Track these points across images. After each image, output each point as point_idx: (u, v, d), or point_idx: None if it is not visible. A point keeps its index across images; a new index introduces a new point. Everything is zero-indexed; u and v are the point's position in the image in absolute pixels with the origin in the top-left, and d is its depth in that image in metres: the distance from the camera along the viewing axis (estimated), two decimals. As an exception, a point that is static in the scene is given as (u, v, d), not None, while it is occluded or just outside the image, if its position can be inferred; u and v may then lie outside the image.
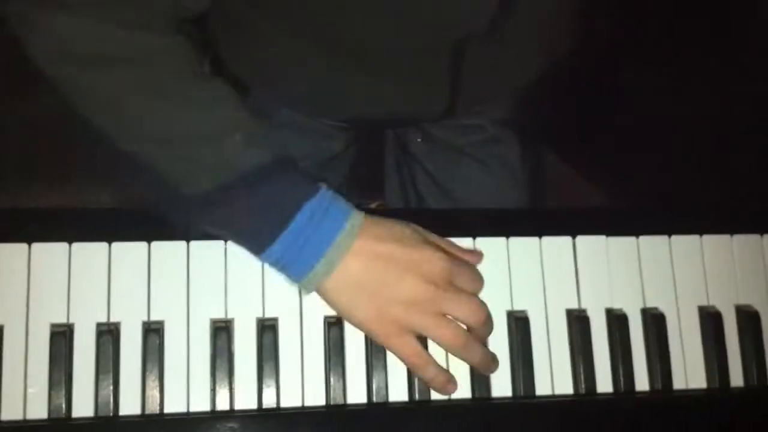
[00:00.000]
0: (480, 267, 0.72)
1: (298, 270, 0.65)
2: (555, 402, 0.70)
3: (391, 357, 0.69)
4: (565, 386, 0.71)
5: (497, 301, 0.72)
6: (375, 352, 0.69)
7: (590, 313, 0.73)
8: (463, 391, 0.70)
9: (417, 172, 1.13)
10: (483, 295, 0.71)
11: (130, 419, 0.65)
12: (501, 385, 0.70)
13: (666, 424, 0.69)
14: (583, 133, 1.13)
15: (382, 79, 0.86)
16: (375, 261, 0.66)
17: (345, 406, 0.68)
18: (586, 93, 1.13)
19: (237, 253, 0.69)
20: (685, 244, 0.76)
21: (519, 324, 0.71)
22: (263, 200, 0.63)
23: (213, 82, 0.68)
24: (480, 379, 0.70)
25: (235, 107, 0.67)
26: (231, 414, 0.66)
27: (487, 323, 0.69)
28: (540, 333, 0.72)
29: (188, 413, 0.66)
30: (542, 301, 0.73)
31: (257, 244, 0.65)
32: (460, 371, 0.69)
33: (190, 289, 0.69)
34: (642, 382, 0.72)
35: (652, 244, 0.76)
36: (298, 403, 0.68)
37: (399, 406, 0.69)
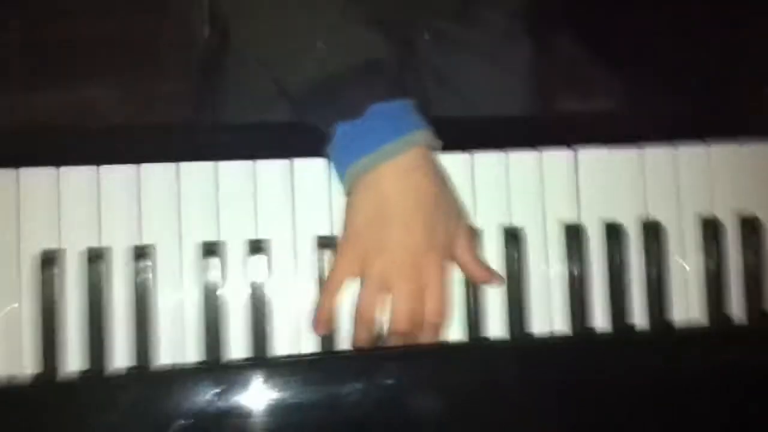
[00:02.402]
0: (478, 182, 0.71)
1: (343, 159, 0.66)
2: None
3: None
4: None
5: (492, 216, 0.71)
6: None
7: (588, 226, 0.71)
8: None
9: (422, 70, 1.09)
10: (480, 211, 0.70)
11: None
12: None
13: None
14: (600, 29, 1.08)
15: None
16: (408, 188, 0.65)
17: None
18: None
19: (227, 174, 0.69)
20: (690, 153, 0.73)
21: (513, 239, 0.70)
22: (343, 98, 0.66)
23: None
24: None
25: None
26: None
27: (440, 331, 0.66)
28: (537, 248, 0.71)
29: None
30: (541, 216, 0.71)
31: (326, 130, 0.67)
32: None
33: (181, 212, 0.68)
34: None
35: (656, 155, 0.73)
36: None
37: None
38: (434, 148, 0.68)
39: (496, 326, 0.70)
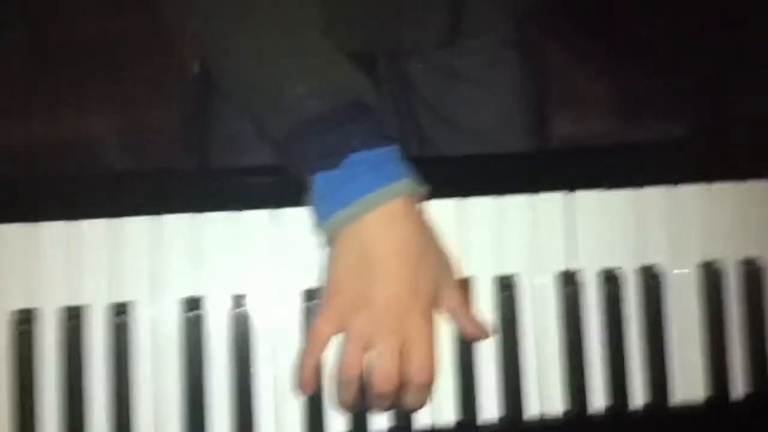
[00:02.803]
0: (469, 228, 0.69)
1: (324, 210, 0.63)
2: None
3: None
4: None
5: (484, 264, 0.69)
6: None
7: (585, 274, 0.69)
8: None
9: (414, 100, 1.07)
10: (470, 258, 0.68)
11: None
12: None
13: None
14: (586, 53, 1.06)
15: (378, 6, 0.82)
16: (392, 240, 0.62)
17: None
18: (589, 12, 1.05)
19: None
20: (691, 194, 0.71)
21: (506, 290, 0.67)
22: (322, 145, 0.63)
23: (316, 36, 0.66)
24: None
25: (318, 54, 0.65)
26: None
27: (425, 392, 0.63)
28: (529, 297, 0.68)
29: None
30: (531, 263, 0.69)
31: (305, 178, 0.64)
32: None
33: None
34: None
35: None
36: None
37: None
38: (420, 196, 0.65)
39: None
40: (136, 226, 0.66)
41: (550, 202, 0.70)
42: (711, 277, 0.70)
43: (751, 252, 0.71)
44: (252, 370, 0.66)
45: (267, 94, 0.65)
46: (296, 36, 0.65)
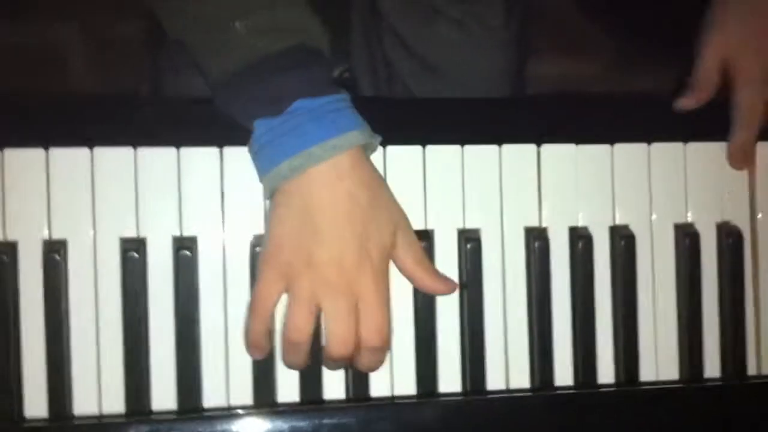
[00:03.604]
0: (433, 178, 0.64)
1: (264, 162, 0.59)
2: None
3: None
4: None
5: (447, 216, 0.64)
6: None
7: (551, 233, 0.65)
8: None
9: (386, 34, 1.02)
10: (432, 210, 0.63)
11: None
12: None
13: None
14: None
15: None
16: (338, 196, 0.58)
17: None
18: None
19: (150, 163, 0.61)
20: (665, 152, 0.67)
21: (471, 244, 0.63)
22: (264, 89, 0.58)
23: None
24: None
25: None
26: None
27: (379, 354, 0.59)
28: (494, 254, 0.64)
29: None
30: (498, 218, 0.65)
31: (247, 125, 0.60)
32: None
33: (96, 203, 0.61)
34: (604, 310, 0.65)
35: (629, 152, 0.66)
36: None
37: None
38: (371, 147, 0.61)
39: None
40: (74, 157, 0.61)
41: (520, 153, 0.65)
42: (688, 239, 0.66)
43: (729, 215, 0.67)
44: (198, 316, 0.61)
45: (211, 32, 0.59)
46: None
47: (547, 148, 0.65)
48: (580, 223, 0.66)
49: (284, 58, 0.58)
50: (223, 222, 0.62)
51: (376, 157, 0.63)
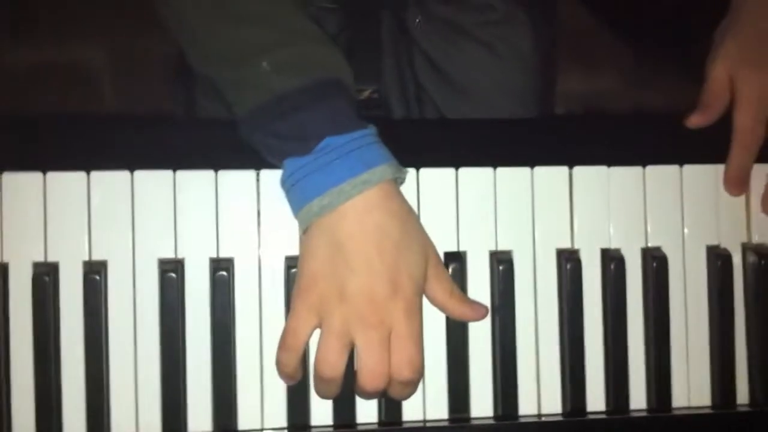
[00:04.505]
0: (466, 199, 0.65)
1: (296, 200, 0.60)
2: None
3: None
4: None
5: (479, 238, 0.65)
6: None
7: (583, 254, 0.65)
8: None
9: (415, 56, 1.03)
10: (464, 232, 0.64)
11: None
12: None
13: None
14: (605, 17, 1.01)
15: None
16: (368, 229, 0.58)
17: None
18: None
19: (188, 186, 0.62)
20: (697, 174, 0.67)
21: (503, 266, 0.64)
22: (289, 127, 0.59)
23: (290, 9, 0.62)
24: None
25: (284, 28, 0.61)
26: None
27: (411, 386, 0.60)
28: (526, 275, 0.65)
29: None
30: (530, 239, 0.65)
31: (276, 163, 0.61)
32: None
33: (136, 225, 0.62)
34: (636, 333, 0.65)
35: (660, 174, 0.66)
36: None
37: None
38: (399, 180, 0.61)
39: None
40: (115, 180, 0.62)
41: (552, 175, 0.66)
42: (720, 261, 0.66)
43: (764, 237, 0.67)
44: (234, 337, 0.62)
45: (232, 66, 0.60)
46: (267, 4, 0.61)
47: (579, 170, 0.66)
48: (612, 245, 0.66)
49: (305, 93, 0.58)
50: (259, 243, 0.63)
51: (409, 180, 0.64)
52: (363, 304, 0.57)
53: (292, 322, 0.59)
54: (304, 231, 0.60)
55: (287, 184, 0.60)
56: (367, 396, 0.60)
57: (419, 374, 0.59)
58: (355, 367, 0.59)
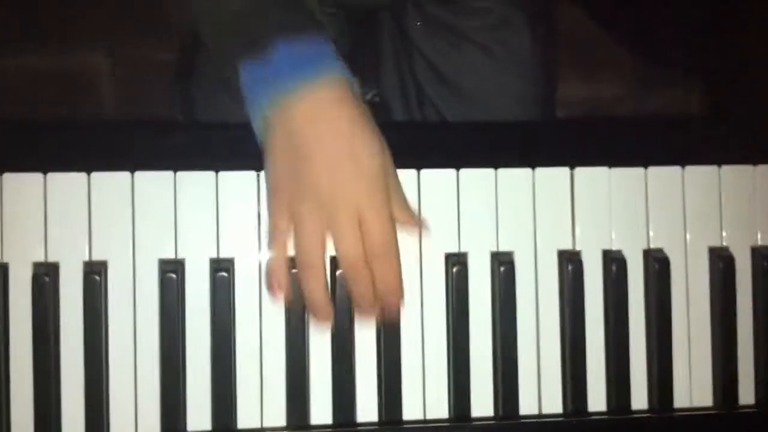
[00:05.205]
0: (467, 201, 0.64)
1: (251, 105, 0.62)
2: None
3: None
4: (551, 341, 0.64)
5: (481, 239, 0.64)
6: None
7: (585, 256, 0.65)
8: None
9: (415, 59, 1.03)
10: (465, 233, 0.64)
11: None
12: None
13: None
14: (602, 17, 1.01)
15: None
16: (321, 125, 0.60)
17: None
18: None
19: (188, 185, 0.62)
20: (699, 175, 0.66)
21: (504, 267, 0.63)
22: (243, 31, 0.62)
23: None
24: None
25: None
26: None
27: (391, 265, 0.61)
28: (528, 277, 0.64)
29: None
30: (532, 241, 0.65)
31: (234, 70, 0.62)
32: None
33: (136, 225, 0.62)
34: (638, 334, 0.65)
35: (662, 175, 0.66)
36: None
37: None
38: (351, 86, 0.62)
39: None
40: (115, 181, 0.62)
41: (553, 176, 0.65)
42: (722, 263, 0.66)
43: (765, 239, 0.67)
44: (234, 337, 0.62)
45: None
46: None
47: (581, 171, 0.65)
48: (614, 247, 0.65)
49: (263, 3, 0.61)
50: (259, 244, 0.63)
51: (411, 181, 0.63)
52: (326, 189, 0.59)
53: (271, 224, 0.61)
54: (262, 138, 0.61)
55: (243, 91, 0.61)
56: (361, 305, 0.61)
57: (395, 249, 0.60)
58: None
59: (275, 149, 0.60)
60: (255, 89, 0.61)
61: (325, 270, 0.60)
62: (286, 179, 0.60)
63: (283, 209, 0.60)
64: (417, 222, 0.63)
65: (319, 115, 0.60)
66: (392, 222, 0.61)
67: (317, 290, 0.60)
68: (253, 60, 0.60)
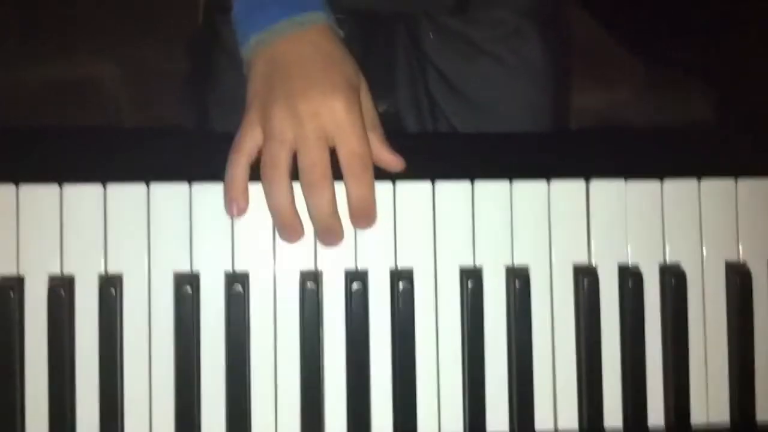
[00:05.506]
0: (482, 213, 0.64)
1: (240, 35, 0.65)
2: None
3: (372, 316, 0.62)
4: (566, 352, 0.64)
5: (496, 252, 0.64)
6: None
7: (601, 270, 0.64)
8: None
9: (428, 70, 1.03)
10: (480, 246, 0.63)
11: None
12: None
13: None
14: (616, 27, 1.01)
15: None
16: (302, 48, 0.62)
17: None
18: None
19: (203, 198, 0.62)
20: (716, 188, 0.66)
21: (520, 281, 0.63)
22: None
23: None
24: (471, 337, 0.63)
25: None
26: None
27: (364, 186, 0.61)
28: (543, 291, 0.64)
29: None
30: (547, 255, 0.65)
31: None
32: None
33: (151, 238, 0.62)
34: (654, 350, 0.64)
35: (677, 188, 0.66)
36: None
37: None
38: (334, 29, 0.65)
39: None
40: (131, 193, 0.62)
41: (568, 188, 0.65)
42: (739, 278, 0.65)
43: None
44: (248, 351, 0.62)
45: None
46: None
47: (596, 184, 0.65)
48: (630, 261, 0.65)
49: None
50: (274, 258, 0.63)
51: (425, 192, 0.63)
52: (298, 101, 0.60)
53: (237, 136, 0.61)
54: (249, 66, 0.64)
55: (234, 22, 0.65)
56: (326, 234, 0.61)
57: (370, 163, 0.61)
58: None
59: (256, 71, 0.62)
60: (243, 21, 0.64)
61: (290, 177, 0.60)
62: (262, 90, 0.62)
63: (253, 123, 0.61)
64: (394, 158, 0.63)
65: (300, 40, 0.62)
66: (367, 139, 0.61)
67: (281, 195, 0.60)
68: None
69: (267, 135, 0.60)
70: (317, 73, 0.61)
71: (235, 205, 0.61)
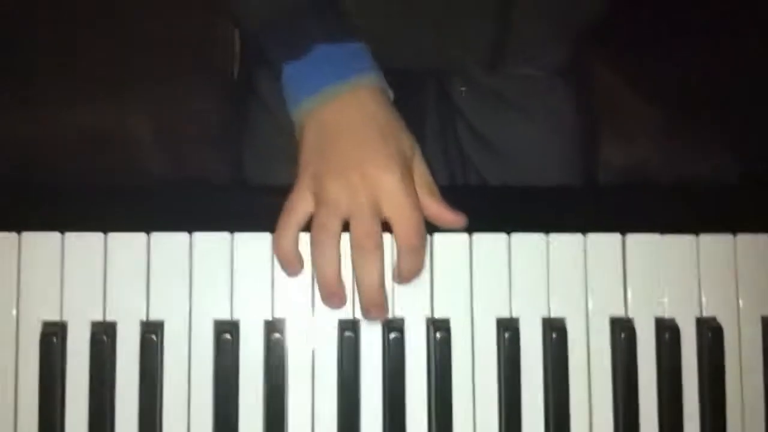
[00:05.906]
0: (518, 266, 0.64)
1: (291, 99, 0.66)
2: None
3: (409, 365, 0.62)
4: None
5: (532, 304, 0.64)
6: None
7: (637, 323, 0.65)
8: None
9: (458, 123, 1.04)
10: (517, 298, 0.64)
11: None
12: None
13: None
14: (648, 86, 1.02)
15: (420, 22, 0.81)
16: (356, 115, 0.62)
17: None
18: (653, 38, 1.01)
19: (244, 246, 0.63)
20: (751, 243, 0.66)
21: (556, 334, 0.63)
22: (287, 34, 0.67)
23: None
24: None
25: None
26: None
27: (419, 255, 0.61)
28: (579, 344, 0.64)
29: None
30: (583, 307, 0.65)
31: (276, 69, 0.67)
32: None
33: (193, 286, 0.63)
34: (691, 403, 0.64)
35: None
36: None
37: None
38: (385, 92, 0.66)
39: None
40: (173, 242, 0.63)
41: (605, 242, 0.66)
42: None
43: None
44: (286, 398, 0.62)
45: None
46: None
47: (632, 238, 0.66)
48: (666, 314, 0.65)
49: (302, 7, 0.66)
50: (312, 307, 0.64)
51: (462, 244, 0.64)
52: (352, 174, 0.60)
53: (288, 203, 0.61)
54: (300, 131, 0.64)
55: (285, 87, 0.66)
56: (371, 306, 0.61)
57: (425, 240, 0.61)
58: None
59: (308, 137, 0.63)
60: (294, 86, 0.65)
61: (338, 246, 0.61)
62: (313, 157, 0.62)
63: (306, 190, 0.61)
64: (457, 217, 0.63)
65: (352, 104, 0.63)
66: (420, 211, 0.61)
67: (330, 262, 0.61)
68: (295, 59, 0.64)
69: (320, 201, 0.61)
70: (372, 143, 0.61)
71: (293, 272, 0.62)
